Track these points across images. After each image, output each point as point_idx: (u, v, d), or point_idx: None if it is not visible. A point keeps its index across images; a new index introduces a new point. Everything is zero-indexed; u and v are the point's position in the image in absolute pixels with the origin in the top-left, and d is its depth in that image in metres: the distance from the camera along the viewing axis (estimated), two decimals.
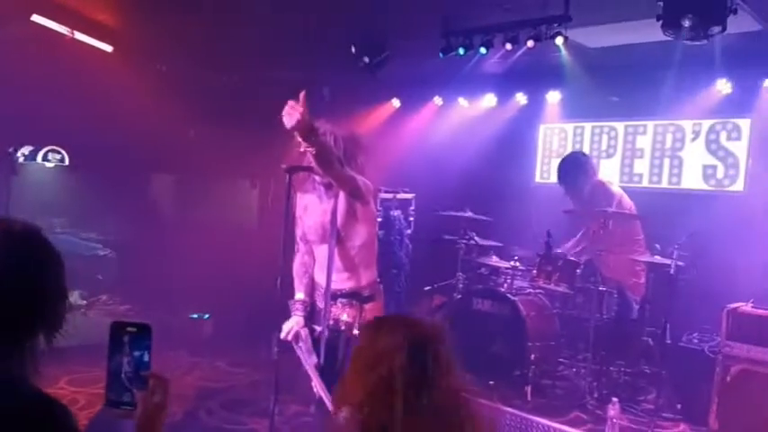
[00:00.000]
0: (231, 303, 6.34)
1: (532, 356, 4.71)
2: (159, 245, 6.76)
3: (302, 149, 2.77)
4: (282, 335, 3.15)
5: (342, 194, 3.03)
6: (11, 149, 5.70)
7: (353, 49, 5.51)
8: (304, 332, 3.14)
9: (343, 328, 3.08)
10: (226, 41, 6.00)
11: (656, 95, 5.73)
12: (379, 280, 3.21)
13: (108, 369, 1.36)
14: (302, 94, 2.56)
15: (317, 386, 3.07)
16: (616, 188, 5.24)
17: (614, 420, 4.15)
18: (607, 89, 6.10)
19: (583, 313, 4.95)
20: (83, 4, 5.56)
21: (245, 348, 5.72)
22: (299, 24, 5.42)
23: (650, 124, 6.15)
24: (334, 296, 3.10)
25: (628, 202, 5.12)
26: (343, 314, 3.09)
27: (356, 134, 3.23)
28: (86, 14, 5.74)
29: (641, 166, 6.18)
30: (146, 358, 1.36)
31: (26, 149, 6.71)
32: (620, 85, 5.99)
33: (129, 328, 1.36)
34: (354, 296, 3.09)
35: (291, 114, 2.52)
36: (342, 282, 3.10)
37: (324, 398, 2.99)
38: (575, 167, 5.20)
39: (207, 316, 6.29)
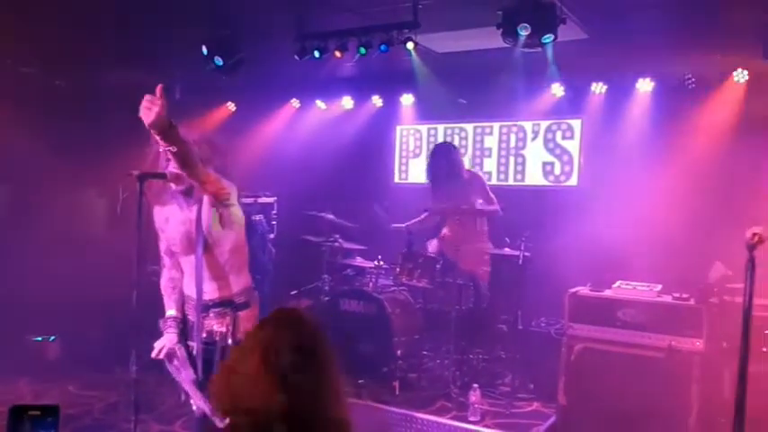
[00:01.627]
0: (80, 322, 5.87)
1: (399, 352, 4.84)
2: None
3: (161, 149, 2.64)
4: (154, 354, 2.98)
5: (205, 200, 2.90)
6: None
7: (205, 50, 5.33)
8: (178, 349, 2.99)
9: (217, 338, 2.96)
10: (63, 41, 5.54)
11: (499, 98, 6.15)
12: (254, 285, 3.11)
13: None
14: (159, 88, 2.42)
15: (198, 402, 2.94)
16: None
17: (476, 405, 4.40)
18: (456, 92, 6.44)
19: (444, 306, 5.17)
20: None
21: (97, 370, 5.35)
22: (146, 24, 5.15)
23: (496, 125, 6.58)
24: (206, 307, 2.97)
25: None
26: (216, 324, 2.98)
27: (210, 136, 3.13)
28: None
29: (490, 165, 6.60)
30: None
31: None
32: (467, 88, 6.35)
33: (32, 412, 1.24)
34: (227, 304, 2.98)
35: (150, 109, 2.38)
36: (213, 291, 2.97)
37: (207, 412, 2.87)
38: (451, 153, 5.36)
39: (52, 338, 5.77)
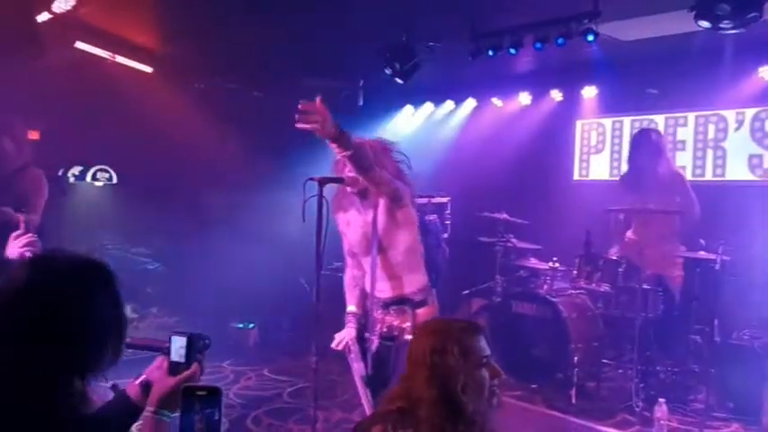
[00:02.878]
0: (275, 312, 6.46)
1: (575, 358, 4.64)
2: (204, 257, 6.95)
3: (338, 156, 2.83)
4: (333, 344, 3.25)
5: (381, 203, 3.06)
6: (60, 171, 5.96)
7: (383, 56, 5.54)
8: (352, 344, 3.22)
9: (396, 334, 3.13)
10: (261, 56, 6.14)
11: (695, 86, 5.60)
12: (431, 284, 3.22)
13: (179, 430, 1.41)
14: (318, 99, 2.59)
15: (361, 393, 3.13)
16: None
17: (662, 422, 4.06)
18: (644, 82, 5.97)
19: (627, 312, 4.84)
20: (123, 29, 5.77)
21: (289, 356, 5.83)
22: (333, 35, 5.51)
23: (691, 115, 5.99)
24: (386, 304, 3.15)
25: None
26: (396, 321, 3.14)
27: (384, 140, 3.26)
28: (127, 38, 5.96)
29: (684, 159, 6.02)
30: (216, 416, 1.42)
31: (76, 170, 7.01)
32: (657, 77, 5.85)
33: (200, 392, 1.42)
34: (405, 302, 3.13)
35: (311, 122, 2.57)
36: (391, 290, 3.14)
37: (365, 407, 3.04)
38: (656, 141, 5.03)
39: (252, 325, 6.42)
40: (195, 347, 1.60)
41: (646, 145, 4.98)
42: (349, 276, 3.36)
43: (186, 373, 1.57)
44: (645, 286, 4.67)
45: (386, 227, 3.08)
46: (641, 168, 4.94)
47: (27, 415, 1.26)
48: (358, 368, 3.19)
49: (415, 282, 3.15)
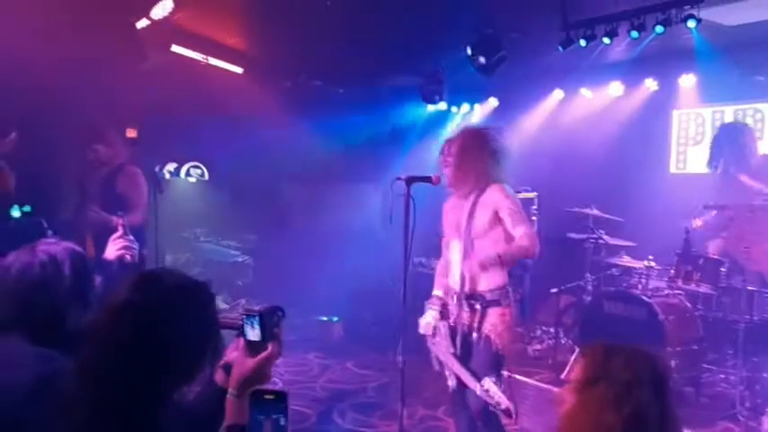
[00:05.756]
0: (359, 306, 6.53)
1: (673, 363, 4.40)
2: (291, 250, 7.12)
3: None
4: (420, 330, 3.36)
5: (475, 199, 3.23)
6: (157, 168, 6.25)
7: (469, 51, 5.45)
8: (443, 326, 3.29)
9: (462, 329, 3.21)
10: (344, 53, 6.19)
11: None
12: (509, 287, 3.22)
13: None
14: None
15: (455, 369, 3.23)
16: None
17: None
18: (750, 68, 5.57)
19: (730, 315, 4.56)
20: (216, 32, 5.99)
21: (372, 350, 5.86)
22: (415, 31, 5.48)
23: None
24: (459, 297, 3.22)
25: None
26: (465, 315, 3.21)
27: (479, 130, 3.37)
28: (219, 41, 6.18)
29: None
30: (282, 422, 1.43)
31: (171, 167, 7.36)
32: (763, 62, 5.45)
33: (267, 396, 1.44)
34: (477, 299, 3.19)
35: None
36: (468, 283, 3.20)
37: (463, 378, 3.18)
38: (738, 137, 4.78)
39: (336, 319, 6.51)
40: (269, 324, 1.54)
41: (724, 143, 4.77)
42: (442, 264, 3.45)
43: (263, 356, 1.53)
44: (750, 287, 4.37)
45: (481, 219, 3.17)
46: (727, 169, 4.72)
47: (130, 427, 1.32)
48: (445, 347, 3.26)
49: (492, 280, 3.17)
